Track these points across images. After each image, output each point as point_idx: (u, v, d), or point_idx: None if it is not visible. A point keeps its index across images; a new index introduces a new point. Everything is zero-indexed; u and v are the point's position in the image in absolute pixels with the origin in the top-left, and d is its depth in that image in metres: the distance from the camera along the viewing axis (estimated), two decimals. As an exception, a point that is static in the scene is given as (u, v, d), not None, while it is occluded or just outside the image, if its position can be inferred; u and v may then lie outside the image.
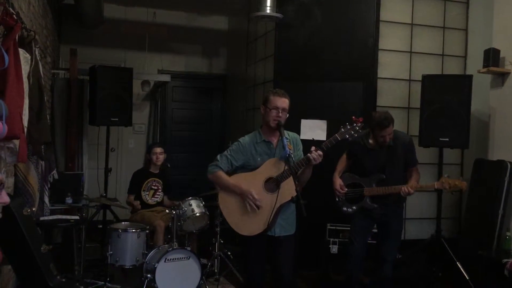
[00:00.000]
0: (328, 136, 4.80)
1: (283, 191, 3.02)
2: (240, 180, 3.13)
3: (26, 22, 3.27)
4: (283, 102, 3.12)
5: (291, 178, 2.96)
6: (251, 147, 3.18)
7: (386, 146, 3.73)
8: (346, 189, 3.85)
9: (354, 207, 3.85)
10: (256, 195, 3.04)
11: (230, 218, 3.16)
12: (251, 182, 3.09)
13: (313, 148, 2.97)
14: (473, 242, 4.56)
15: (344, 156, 4.02)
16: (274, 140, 3.19)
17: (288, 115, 3.15)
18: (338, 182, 3.89)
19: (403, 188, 3.63)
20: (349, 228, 4.23)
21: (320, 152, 2.94)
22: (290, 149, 3.03)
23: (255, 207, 3.05)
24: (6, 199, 1.81)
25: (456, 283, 4.39)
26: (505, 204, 4.42)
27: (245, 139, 3.23)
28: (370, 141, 3.80)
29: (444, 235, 4.69)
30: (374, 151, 3.78)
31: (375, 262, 3.93)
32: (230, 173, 3.19)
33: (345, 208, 3.88)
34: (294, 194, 2.95)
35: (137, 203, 4.90)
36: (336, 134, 3.02)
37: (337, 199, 3.91)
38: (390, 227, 3.81)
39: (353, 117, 3.05)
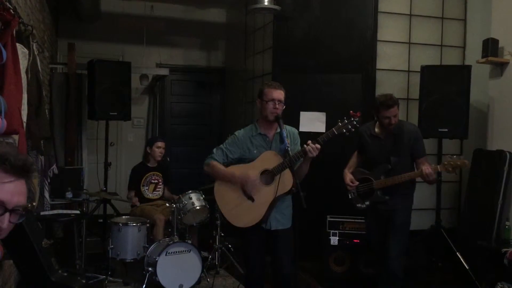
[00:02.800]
0: (327, 128, 4.82)
1: (281, 182, 2.99)
2: (235, 170, 3.12)
3: (23, 17, 3.26)
4: (279, 94, 3.09)
5: (288, 170, 2.96)
6: (247, 140, 3.17)
7: (391, 133, 3.65)
8: (357, 183, 3.74)
9: (367, 202, 3.74)
10: (253, 177, 3.02)
11: (225, 209, 3.16)
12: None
13: (309, 142, 2.95)
14: (473, 232, 4.57)
15: (356, 152, 3.92)
16: (270, 133, 3.18)
17: (284, 106, 3.13)
18: (348, 176, 3.78)
19: (424, 168, 3.45)
20: (349, 220, 4.32)
21: (317, 145, 2.91)
22: (288, 143, 3.02)
23: (254, 188, 3.00)
24: None
25: (456, 273, 4.41)
26: (504, 194, 4.42)
27: (241, 132, 3.23)
28: (376, 129, 3.74)
29: (444, 226, 4.70)
30: (379, 139, 3.71)
31: (377, 255, 3.89)
32: (225, 165, 3.18)
33: (358, 205, 3.78)
34: (291, 185, 2.95)
35: (135, 199, 4.88)
36: (333, 128, 2.98)
37: (349, 196, 3.80)
38: (394, 220, 3.65)
39: (351, 111, 3.00)
